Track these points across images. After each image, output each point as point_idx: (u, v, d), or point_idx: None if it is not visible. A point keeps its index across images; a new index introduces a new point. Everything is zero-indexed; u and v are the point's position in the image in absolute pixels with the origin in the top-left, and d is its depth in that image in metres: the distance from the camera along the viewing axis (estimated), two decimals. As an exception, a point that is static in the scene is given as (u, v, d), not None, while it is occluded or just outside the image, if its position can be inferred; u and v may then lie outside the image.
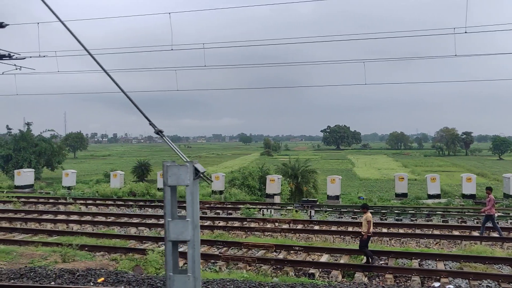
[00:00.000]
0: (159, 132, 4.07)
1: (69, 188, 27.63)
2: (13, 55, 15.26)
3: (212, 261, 12.53)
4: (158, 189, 26.38)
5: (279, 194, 24.57)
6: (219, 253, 13.47)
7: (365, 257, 11.80)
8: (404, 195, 23.60)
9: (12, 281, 10.02)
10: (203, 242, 14.66)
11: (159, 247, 14.02)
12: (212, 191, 25.73)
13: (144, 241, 14.89)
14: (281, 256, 13.02)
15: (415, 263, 11.79)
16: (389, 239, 14.72)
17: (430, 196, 22.91)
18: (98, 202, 23.54)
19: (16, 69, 17.31)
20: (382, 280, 10.69)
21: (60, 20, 3.86)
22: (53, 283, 9.96)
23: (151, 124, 4.07)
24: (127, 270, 11.26)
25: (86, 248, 13.25)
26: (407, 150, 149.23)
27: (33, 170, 31.58)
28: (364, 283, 10.43)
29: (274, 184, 24.23)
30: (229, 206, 22.29)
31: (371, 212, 12.34)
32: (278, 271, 11.68)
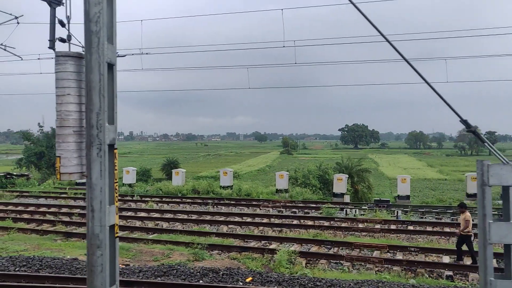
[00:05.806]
0: (474, 131, 3.90)
1: (130, 185, 27.72)
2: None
3: (335, 261, 12.37)
4: (221, 187, 26.33)
5: (346, 193, 24.30)
6: (332, 252, 13.32)
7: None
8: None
9: (159, 278, 9.97)
10: (308, 241, 14.53)
11: (264, 246, 13.92)
12: (276, 189, 25.59)
13: (246, 240, 14.81)
14: (399, 256, 12.82)
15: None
16: None
17: (505, 197, 22.40)
18: (165, 199, 23.57)
19: None
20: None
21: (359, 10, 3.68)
22: (201, 281, 9.88)
23: (463, 121, 3.89)
24: (260, 269, 11.16)
25: (200, 247, 13.18)
26: (427, 150, 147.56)
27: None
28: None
29: (342, 183, 23.98)
30: (301, 205, 22.13)
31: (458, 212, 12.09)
32: (409, 272, 11.49)
